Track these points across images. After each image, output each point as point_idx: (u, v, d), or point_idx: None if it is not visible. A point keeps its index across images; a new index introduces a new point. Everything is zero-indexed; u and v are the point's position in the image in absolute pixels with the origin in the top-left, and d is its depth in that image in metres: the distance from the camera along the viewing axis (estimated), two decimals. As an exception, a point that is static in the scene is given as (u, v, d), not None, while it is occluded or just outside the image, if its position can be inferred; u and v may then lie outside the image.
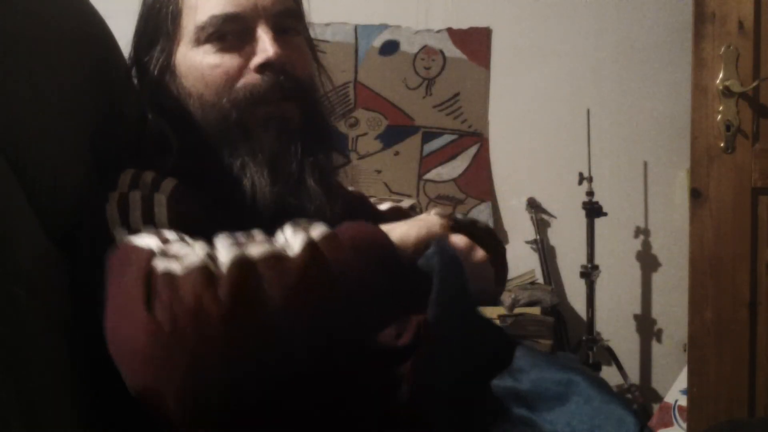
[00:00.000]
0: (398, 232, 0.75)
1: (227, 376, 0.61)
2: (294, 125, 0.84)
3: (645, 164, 2.40)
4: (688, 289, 1.55)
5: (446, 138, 2.42)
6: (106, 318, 0.65)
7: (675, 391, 2.08)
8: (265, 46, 0.81)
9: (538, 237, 2.40)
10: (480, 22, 2.42)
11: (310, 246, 0.68)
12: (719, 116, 1.49)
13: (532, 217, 2.41)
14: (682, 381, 2.02)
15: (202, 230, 0.72)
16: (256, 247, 0.67)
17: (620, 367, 2.30)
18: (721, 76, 1.49)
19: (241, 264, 0.65)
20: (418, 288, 0.72)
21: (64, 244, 0.77)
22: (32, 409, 0.61)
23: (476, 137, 2.42)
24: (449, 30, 2.41)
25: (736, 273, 1.52)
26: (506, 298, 2.23)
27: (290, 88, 0.83)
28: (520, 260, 2.42)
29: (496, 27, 2.42)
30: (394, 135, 2.42)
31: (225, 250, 0.66)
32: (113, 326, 0.64)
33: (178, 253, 0.66)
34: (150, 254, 0.66)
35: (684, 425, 1.95)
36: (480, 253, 0.82)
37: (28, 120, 0.73)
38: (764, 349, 1.51)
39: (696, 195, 1.52)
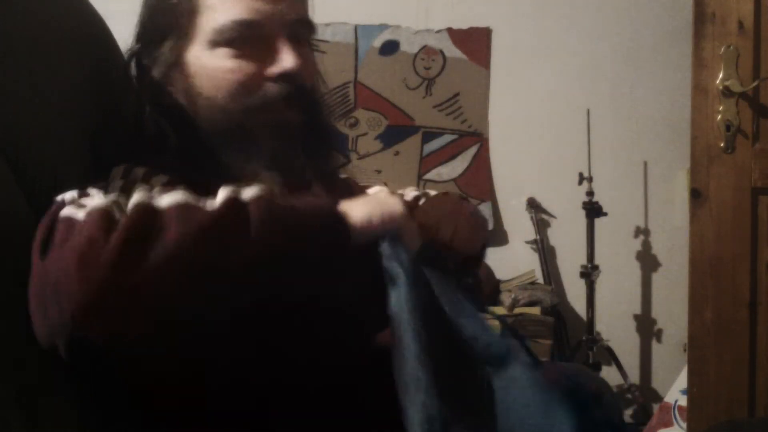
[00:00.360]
0: (359, 214, 0.72)
1: (106, 325, 0.59)
2: (296, 129, 0.84)
3: (645, 164, 2.40)
4: (688, 289, 1.55)
5: (446, 138, 2.42)
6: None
7: (675, 391, 2.08)
8: (285, 57, 0.82)
9: (538, 237, 2.40)
10: (480, 22, 2.42)
11: (233, 202, 0.65)
12: (719, 116, 1.49)
13: (532, 217, 2.41)
14: (682, 381, 2.02)
15: None
16: (170, 196, 0.65)
17: (620, 367, 2.30)
18: (721, 76, 1.48)
19: (143, 209, 0.63)
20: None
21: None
22: (32, 408, 0.61)
23: (476, 137, 2.42)
24: (449, 30, 2.41)
25: (736, 273, 1.51)
26: (506, 298, 2.23)
27: (299, 98, 0.83)
28: (520, 260, 2.42)
29: (496, 27, 2.42)
30: (394, 135, 2.42)
31: (136, 196, 0.65)
32: (32, 273, 0.64)
33: (86, 201, 0.66)
34: (60, 204, 0.67)
35: (684, 425, 1.95)
36: (466, 214, 0.82)
37: (28, 120, 0.73)
38: (764, 349, 1.51)
39: (696, 195, 1.52)
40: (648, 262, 2.43)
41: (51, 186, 0.74)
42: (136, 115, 0.87)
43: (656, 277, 2.43)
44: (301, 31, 0.86)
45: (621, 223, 2.39)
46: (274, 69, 0.82)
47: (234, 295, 0.63)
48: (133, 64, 0.90)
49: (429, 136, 2.42)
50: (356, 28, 2.41)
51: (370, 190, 0.94)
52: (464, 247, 0.83)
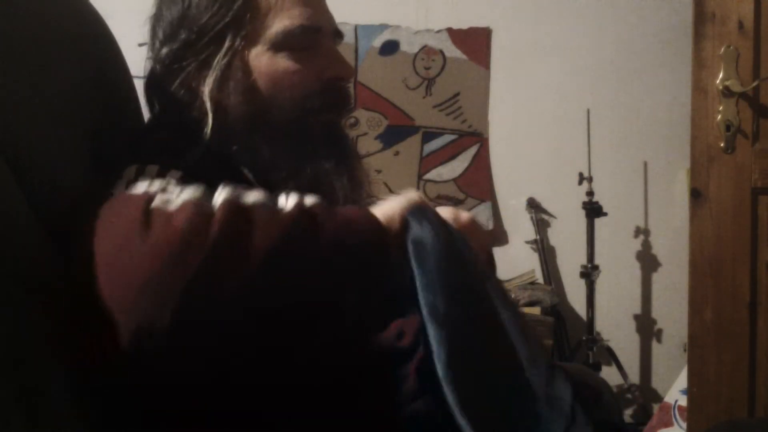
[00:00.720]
0: (382, 209, 0.76)
1: (200, 303, 0.62)
2: (342, 136, 0.93)
3: (645, 164, 2.40)
4: (688, 289, 1.55)
5: (446, 138, 2.42)
6: (97, 257, 0.65)
7: (675, 391, 2.08)
8: (343, 63, 0.89)
9: (538, 237, 2.40)
10: (480, 22, 2.42)
11: (302, 207, 0.70)
12: (719, 116, 1.49)
13: (532, 217, 2.41)
14: (682, 381, 2.02)
15: None
16: (252, 195, 0.69)
17: (620, 367, 2.30)
18: (721, 76, 1.49)
19: (233, 205, 0.66)
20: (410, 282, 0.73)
21: (64, 244, 0.77)
22: (32, 409, 0.61)
23: (476, 137, 2.42)
24: (449, 30, 2.41)
25: (736, 273, 1.51)
26: (506, 298, 2.23)
27: (347, 101, 0.93)
28: (520, 260, 2.42)
29: (496, 27, 2.42)
30: (394, 135, 2.42)
31: (222, 193, 0.68)
32: (108, 262, 0.64)
33: (175, 192, 0.68)
34: (147, 196, 0.68)
35: (684, 425, 1.95)
36: (466, 216, 0.83)
37: (28, 120, 0.73)
38: (764, 349, 1.51)
39: (696, 195, 1.52)
40: (648, 262, 2.43)
41: (51, 186, 0.74)
42: (137, 117, 0.87)
43: (656, 277, 2.43)
44: (338, 39, 0.93)
45: (621, 223, 2.39)
46: (334, 73, 0.88)
47: (309, 294, 0.68)
48: (149, 64, 0.89)
49: (429, 136, 2.42)
50: (356, 28, 2.41)
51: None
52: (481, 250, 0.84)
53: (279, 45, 0.85)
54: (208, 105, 0.84)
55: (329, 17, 0.91)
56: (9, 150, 0.70)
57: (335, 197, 0.85)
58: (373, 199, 0.95)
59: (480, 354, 0.72)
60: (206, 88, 0.85)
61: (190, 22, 0.85)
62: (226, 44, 0.85)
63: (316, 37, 0.87)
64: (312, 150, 0.86)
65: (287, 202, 0.71)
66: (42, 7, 0.82)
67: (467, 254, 0.76)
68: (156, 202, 0.66)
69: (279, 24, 0.85)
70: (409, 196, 0.79)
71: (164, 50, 0.87)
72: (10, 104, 0.71)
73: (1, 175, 0.68)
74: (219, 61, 0.85)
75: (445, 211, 0.81)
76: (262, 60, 0.85)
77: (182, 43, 0.86)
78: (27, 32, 0.76)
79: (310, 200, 0.72)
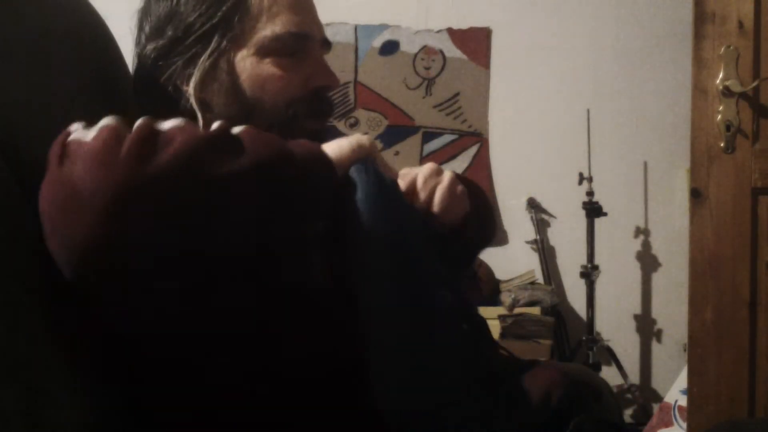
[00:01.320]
0: (333, 148, 0.77)
1: (127, 222, 0.62)
2: (322, 141, 0.90)
3: (645, 164, 2.40)
4: (688, 289, 1.55)
5: (446, 138, 2.42)
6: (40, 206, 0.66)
7: (675, 391, 2.08)
8: (329, 72, 0.89)
9: (538, 237, 2.40)
10: (480, 22, 2.42)
11: (226, 125, 0.70)
12: (719, 116, 1.49)
13: (532, 217, 2.41)
14: (682, 381, 2.02)
15: None
16: (171, 121, 0.68)
17: (620, 367, 2.30)
18: (721, 76, 1.48)
19: (149, 125, 0.66)
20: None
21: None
22: (32, 409, 0.61)
23: (476, 137, 2.42)
24: (449, 30, 2.41)
25: (736, 273, 1.51)
26: (506, 298, 2.23)
27: (331, 110, 0.92)
28: (520, 260, 2.42)
29: (496, 27, 2.42)
30: (394, 135, 2.42)
31: (140, 119, 0.68)
32: (41, 200, 0.65)
33: (97, 124, 0.68)
34: (67, 132, 0.68)
35: (684, 425, 1.95)
36: (445, 181, 0.84)
37: (27, 120, 0.73)
38: (764, 349, 1.51)
39: (696, 195, 1.52)
40: (648, 262, 2.43)
41: (51, 186, 0.74)
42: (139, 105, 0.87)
43: (656, 277, 2.43)
44: (326, 48, 0.93)
45: (621, 223, 2.39)
46: (319, 82, 0.88)
47: (233, 210, 0.67)
48: (136, 58, 0.90)
49: (429, 136, 2.42)
50: (356, 28, 2.41)
51: None
52: (444, 215, 0.83)
53: (266, 50, 0.85)
54: (194, 104, 0.84)
55: (319, 25, 0.91)
56: (9, 150, 0.70)
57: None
58: None
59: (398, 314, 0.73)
60: (191, 88, 0.85)
61: (178, 19, 0.86)
62: (213, 44, 0.85)
63: (304, 44, 0.87)
64: None
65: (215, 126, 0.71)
66: (42, 7, 0.82)
67: (399, 211, 0.78)
68: (74, 134, 0.67)
69: (268, 29, 0.85)
70: (360, 141, 0.79)
71: (150, 46, 0.87)
72: (10, 103, 0.71)
73: (1, 175, 0.68)
74: (204, 60, 0.85)
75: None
76: (247, 63, 0.86)
77: (169, 40, 0.86)
78: (27, 32, 0.76)
79: (241, 128, 0.71)
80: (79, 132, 0.67)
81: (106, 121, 0.67)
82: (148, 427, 0.74)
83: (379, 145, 2.43)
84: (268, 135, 0.72)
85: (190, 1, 0.86)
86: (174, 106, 0.85)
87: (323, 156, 0.75)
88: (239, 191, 0.67)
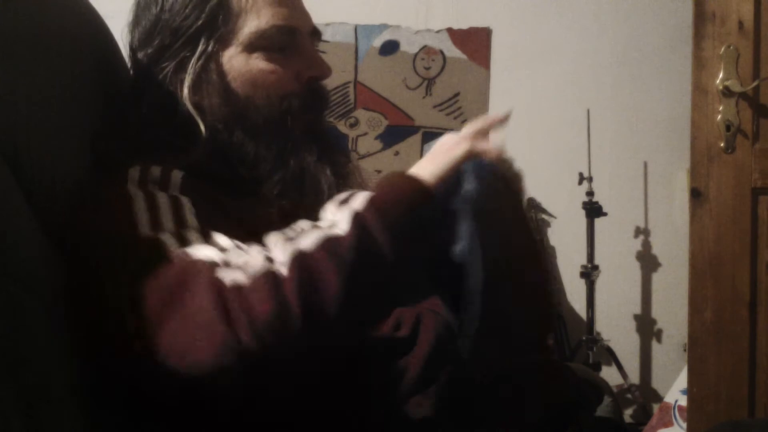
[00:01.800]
0: (427, 171, 0.75)
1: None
2: (323, 134, 0.91)
3: (645, 164, 2.40)
4: (688, 289, 1.55)
5: (446, 138, 2.42)
6: (166, 333, 0.64)
7: (675, 391, 2.08)
8: (321, 63, 0.89)
9: (538, 237, 2.40)
10: (480, 22, 2.42)
11: (356, 219, 0.69)
12: (719, 116, 1.49)
13: (532, 217, 2.41)
14: (682, 381, 2.02)
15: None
16: (308, 238, 0.68)
17: (620, 367, 2.30)
18: (721, 76, 1.48)
19: (300, 259, 0.66)
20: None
21: (63, 244, 0.77)
22: (32, 409, 0.61)
23: (476, 137, 2.42)
24: (449, 30, 2.41)
25: (736, 273, 1.51)
26: (506, 298, 2.23)
27: (325, 102, 0.91)
28: (520, 260, 2.42)
29: (496, 27, 2.42)
30: (394, 135, 2.42)
31: (280, 249, 0.68)
32: (187, 344, 0.64)
33: (238, 262, 0.67)
34: (212, 266, 0.66)
35: (684, 425, 1.95)
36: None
37: (27, 120, 0.73)
38: (764, 349, 1.51)
39: (696, 195, 1.52)
40: (648, 262, 2.43)
41: (50, 186, 0.74)
42: (138, 113, 0.87)
43: (656, 277, 2.43)
44: (316, 37, 0.92)
45: (621, 223, 2.39)
46: (310, 72, 0.88)
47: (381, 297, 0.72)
48: (130, 60, 0.90)
49: (429, 136, 2.42)
50: (356, 28, 2.41)
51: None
52: None
53: (252, 46, 0.85)
54: (189, 107, 0.84)
55: (305, 16, 0.90)
56: (9, 150, 0.70)
57: (320, 189, 0.85)
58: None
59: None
60: (184, 93, 0.85)
61: (164, 25, 0.86)
62: (200, 47, 0.85)
63: (292, 37, 0.87)
64: (293, 146, 0.86)
65: (336, 217, 0.71)
66: (42, 7, 0.82)
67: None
68: (227, 279, 0.65)
69: (251, 25, 0.85)
70: (462, 147, 0.77)
71: (140, 54, 0.88)
72: (10, 104, 0.71)
73: (1, 175, 0.68)
74: (194, 64, 0.85)
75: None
76: (236, 62, 0.85)
77: (157, 47, 0.86)
78: (27, 32, 0.76)
79: (357, 203, 0.71)
80: (227, 271, 0.66)
81: (255, 264, 0.67)
82: (147, 426, 0.74)
83: (378, 144, 2.42)
84: (387, 209, 0.71)
85: (175, 6, 0.86)
86: (171, 112, 0.85)
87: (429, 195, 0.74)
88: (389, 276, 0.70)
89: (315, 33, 0.92)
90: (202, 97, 0.86)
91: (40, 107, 0.76)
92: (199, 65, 0.85)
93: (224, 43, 0.85)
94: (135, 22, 0.90)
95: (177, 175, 0.78)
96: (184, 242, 0.69)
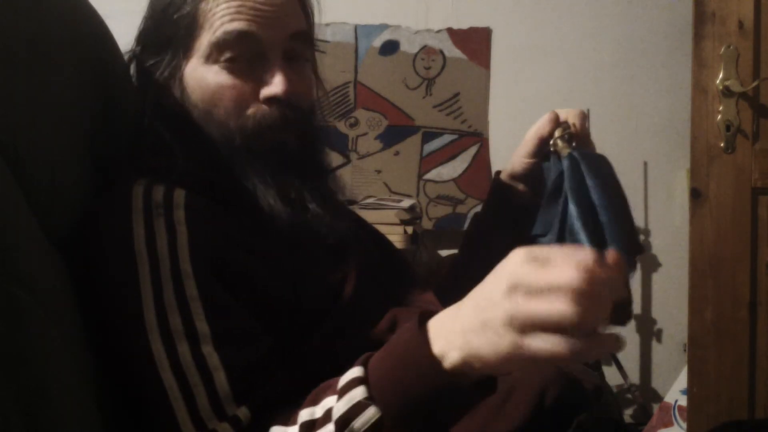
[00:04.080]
0: (451, 356, 0.59)
1: None
2: (293, 152, 0.86)
3: (645, 164, 2.40)
4: (688, 289, 1.55)
5: (446, 138, 2.42)
6: None
7: (675, 391, 2.08)
8: (277, 81, 0.83)
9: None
10: (480, 22, 2.42)
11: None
12: (719, 116, 1.49)
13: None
14: (682, 381, 2.02)
15: (225, 233, 0.77)
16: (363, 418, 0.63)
17: (620, 367, 2.30)
18: (721, 76, 1.49)
19: None
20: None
21: (63, 245, 0.77)
22: (32, 409, 0.61)
23: (476, 137, 2.42)
24: (449, 30, 2.41)
25: (736, 273, 1.51)
26: (506, 298, 2.23)
27: (293, 120, 0.84)
28: (520, 260, 2.41)
29: (496, 27, 2.42)
30: (394, 135, 2.42)
31: None
32: None
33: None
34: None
35: (684, 425, 1.95)
36: None
37: (27, 120, 0.73)
38: (764, 349, 1.51)
39: (696, 195, 1.52)
40: (648, 262, 2.43)
41: (50, 186, 0.74)
42: (137, 115, 0.88)
43: (656, 277, 2.42)
44: (298, 47, 0.87)
45: (621, 223, 2.39)
46: (265, 91, 0.83)
47: None
48: (133, 66, 0.90)
49: (429, 136, 2.42)
50: (356, 28, 2.41)
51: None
52: None
53: (211, 57, 0.82)
54: (152, 118, 0.84)
55: (277, 25, 0.84)
56: (9, 150, 0.69)
57: (305, 207, 0.84)
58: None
59: None
60: (149, 101, 0.85)
61: (144, 36, 0.88)
62: (167, 58, 0.85)
63: (256, 47, 0.83)
64: (241, 167, 0.83)
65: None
66: (42, 7, 0.82)
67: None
68: None
69: (209, 34, 0.82)
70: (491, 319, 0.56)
71: (132, 63, 0.89)
72: (10, 104, 0.71)
73: (1, 175, 0.67)
74: (160, 75, 0.85)
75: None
76: (197, 73, 0.84)
77: (142, 56, 0.88)
78: (27, 32, 0.76)
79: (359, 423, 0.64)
80: None
81: None
82: (149, 426, 0.74)
83: (378, 144, 2.42)
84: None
85: (154, 15, 0.86)
86: (159, 116, 0.85)
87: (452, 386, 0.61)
88: None
89: (297, 39, 0.86)
90: (170, 108, 0.85)
91: (40, 107, 0.76)
92: (164, 77, 0.85)
93: (187, 55, 0.84)
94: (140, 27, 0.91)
95: (180, 196, 0.78)
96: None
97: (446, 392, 0.60)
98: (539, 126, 0.91)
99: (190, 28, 0.84)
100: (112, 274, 0.74)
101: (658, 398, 2.35)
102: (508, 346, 0.54)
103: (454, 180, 2.42)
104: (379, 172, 2.41)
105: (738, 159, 1.50)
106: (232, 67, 0.83)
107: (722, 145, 1.50)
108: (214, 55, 0.83)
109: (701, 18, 1.49)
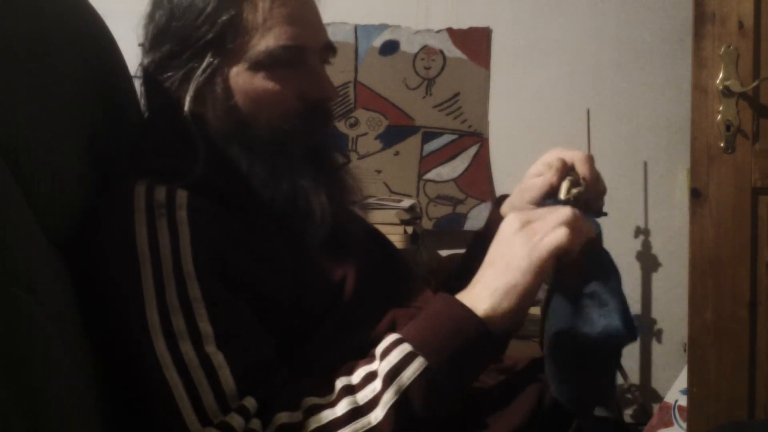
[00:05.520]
0: (484, 306, 0.72)
1: None
2: (325, 153, 0.90)
3: (645, 164, 2.40)
4: (688, 289, 1.55)
5: (446, 138, 2.42)
6: None
7: (675, 391, 2.08)
8: (327, 86, 0.88)
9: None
10: (480, 22, 2.42)
11: (396, 407, 0.68)
12: (719, 116, 1.49)
13: (532, 217, 2.40)
14: (682, 381, 2.02)
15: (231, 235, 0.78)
16: (379, 411, 0.68)
17: (620, 367, 2.30)
18: (721, 76, 1.49)
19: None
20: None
21: (63, 245, 0.77)
22: (32, 409, 0.61)
23: (476, 137, 2.42)
24: (449, 30, 2.41)
25: (736, 273, 1.51)
26: (506, 298, 2.23)
27: (329, 121, 0.91)
28: (520, 260, 2.41)
29: (496, 27, 2.42)
30: (394, 135, 2.42)
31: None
32: None
33: None
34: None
35: (684, 425, 1.95)
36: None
37: (26, 120, 0.73)
38: (764, 349, 1.51)
39: (696, 195, 1.52)
40: (648, 262, 2.43)
41: (50, 186, 0.74)
42: (139, 116, 0.87)
43: (656, 277, 2.42)
44: (328, 55, 0.91)
45: (621, 223, 2.39)
46: (316, 93, 0.87)
47: None
48: (140, 67, 0.90)
49: (429, 136, 2.42)
50: (356, 28, 2.41)
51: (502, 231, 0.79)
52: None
53: (259, 65, 0.84)
54: (189, 118, 0.84)
55: (317, 34, 0.88)
56: (9, 150, 0.69)
57: (311, 212, 0.85)
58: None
59: None
60: (186, 102, 0.84)
61: (174, 34, 0.85)
62: (207, 60, 0.84)
63: (300, 56, 0.85)
64: (288, 167, 0.85)
65: (377, 395, 0.69)
66: (42, 6, 0.82)
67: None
68: None
69: (261, 44, 0.83)
70: (523, 263, 0.72)
71: (148, 58, 0.88)
72: (10, 104, 0.71)
73: (1, 175, 0.67)
74: (198, 77, 0.84)
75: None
76: (241, 79, 0.84)
77: (166, 53, 0.86)
78: (27, 32, 0.76)
79: (407, 375, 0.69)
80: None
81: None
82: (149, 426, 0.74)
83: (378, 144, 2.42)
84: (439, 379, 0.70)
85: (186, 15, 0.85)
86: (173, 118, 0.85)
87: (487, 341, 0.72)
88: None
89: (329, 48, 0.91)
90: (206, 110, 0.85)
91: (40, 107, 0.76)
92: (203, 78, 0.85)
93: (231, 59, 0.84)
94: (149, 19, 0.89)
95: (182, 196, 0.78)
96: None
97: (482, 340, 0.70)
98: (548, 176, 0.89)
99: (235, 33, 0.84)
100: (114, 274, 0.74)
101: (658, 398, 2.35)
102: (529, 254, 0.71)
103: (454, 180, 2.42)
104: (379, 172, 2.41)
105: (738, 159, 1.50)
106: (277, 73, 0.85)
107: (722, 145, 1.50)
108: (262, 62, 0.84)
109: (701, 18, 1.49)
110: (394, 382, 0.68)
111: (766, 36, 1.48)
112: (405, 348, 0.70)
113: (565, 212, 0.75)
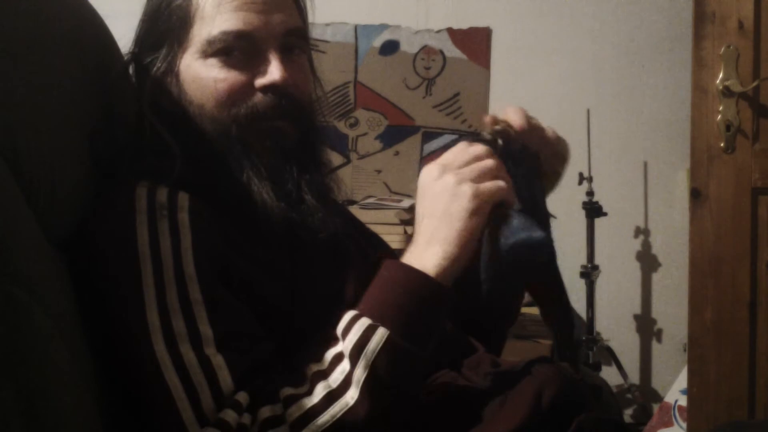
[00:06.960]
0: (433, 261, 0.74)
1: None
2: (289, 143, 0.86)
3: (645, 164, 2.40)
4: (688, 289, 1.55)
5: (446, 138, 2.42)
6: None
7: (675, 391, 2.08)
8: (273, 69, 0.83)
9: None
10: (480, 22, 2.42)
11: (368, 382, 0.70)
12: (719, 116, 1.50)
13: (532, 217, 2.40)
14: (682, 381, 2.02)
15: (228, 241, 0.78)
16: (321, 419, 0.70)
17: (620, 367, 2.30)
18: (721, 76, 1.49)
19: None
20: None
21: (63, 245, 0.77)
22: (32, 409, 0.61)
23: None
24: (449, 30, 2.41)
25: (736, 273, 1.52)
26: (506, 298, 2.23)
27: (290, 110, 0.85)
28: (520, 260, 2.41)
29: (496, 27, 2.42)
30: (394, 135, 2.42)
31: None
32: None
33: None
34: None
35: (684, 425, 1.95)
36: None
37: (26, 121, 0.73)
38: (764, 349, 1.51)
39: (696, 195, 1.52)
40: (648, 262, 2.43)
41: (49, 187, 0.74)
42: (136, 116, 0.88)
43: (656, 277, 2.42)
44: (293, 41, 0.87)
45: (621, 223, 2.39)
46: (262, 80, 0.84)
47: None
48: (131, 66, 0.90)
49: (429, 136, 2.42)
50: (356, 28, 2.41)
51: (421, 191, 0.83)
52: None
53: (206, 52, 0.83)
54: (147, 113, 0.84)
55: (272, 21, 0.84)
56: (9, 150, 0.70)
57: (301, 199, 0.84)
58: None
59: None
60: (144, 98, 0.85)
61: (142, 29, 0.88)
62: (163, 52, 0.85)
63: (251, 42, 0.83)
64: (234, 157, 0.83)
65: (347, 374, 0.70)
66: (41, 6, 0.82)
67: None
68: None
69: (204, 31, 0.83)
70: (460, 212, 0.75)
71: (127, 54, 0.89)
72: (10, 104, 0.71)
73: (1, 175, 0.68)
74: (157, 69, 0.85)
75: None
76: (192, 68, 0.84)
77: (140, 48, 0.88)
78: (27, 32, 0.76)
79: (371, 346, 0.70)
80: None
81: None
82: (149, 426, 0.74)
83: (378, 144, 2.42)
84: (401, 346, 0.71)
85: (149, 11, 0.87)
86: (157, 115, 0.85)
87: (438, 293, 0.74)
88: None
89: (293, 34, 0.87)
90: (164, 102, 0.86)
91: (40, 107, 0.76)
92: (160, 71, 0.85)
93: (182, 50, 0.85)
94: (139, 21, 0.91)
95: (184, 198, 0.78)
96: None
97: (437, 296, 0.73)
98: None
99: (184, 21, 0.84)
100: (114, 275, 0.74)
101: (658, 398, 2.35)
102: (468, 200, 0.74)
103: (454, 180, 2.42)
104: (379, 172, 2.41)
105: (738, 159, 1.50)
106: (226, 60, 0.83)
107: (722, 145, 1.50)
108: (207, 50, 0.83)
109: (701, 18, 1.49)
110: (361, 358, 0.69)
111: (766, 36, 1.49)
112: (364, 322, 0.71)
113: (476, 149, 0.79)
